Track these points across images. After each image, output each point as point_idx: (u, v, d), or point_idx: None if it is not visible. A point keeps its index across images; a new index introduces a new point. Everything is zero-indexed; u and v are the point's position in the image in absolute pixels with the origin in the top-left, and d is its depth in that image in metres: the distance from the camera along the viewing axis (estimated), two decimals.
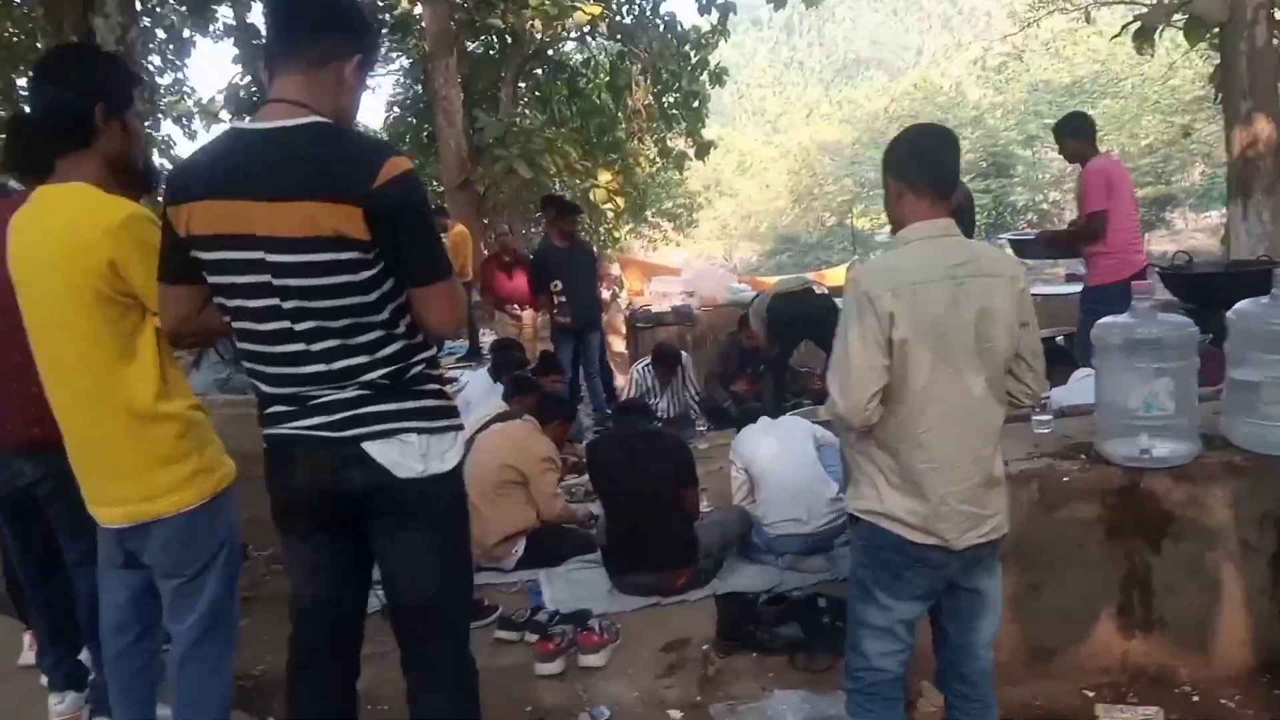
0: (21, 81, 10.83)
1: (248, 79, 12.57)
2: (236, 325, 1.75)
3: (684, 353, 6.82)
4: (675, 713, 2.85)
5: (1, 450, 2.34)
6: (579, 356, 6.70)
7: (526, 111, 14.92)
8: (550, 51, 14.85)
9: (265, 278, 1.66)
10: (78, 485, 2.11)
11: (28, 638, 3.07)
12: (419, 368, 1.79)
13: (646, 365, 6.71)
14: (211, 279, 1.74)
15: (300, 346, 1.70)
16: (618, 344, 9.12)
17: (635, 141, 15.46)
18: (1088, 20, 14.34)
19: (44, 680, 2.82)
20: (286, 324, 1.69)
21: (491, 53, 14.87)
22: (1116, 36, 9.07)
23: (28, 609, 2.92)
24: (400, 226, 1.66)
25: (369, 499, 1.76)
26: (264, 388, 1.77)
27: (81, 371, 1.97)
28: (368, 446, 1.72)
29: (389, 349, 1.73)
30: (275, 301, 1.68)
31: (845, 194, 34.65)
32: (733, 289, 9.14)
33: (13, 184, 2.59)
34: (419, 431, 1.76)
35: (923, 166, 2.03)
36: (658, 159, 16.16)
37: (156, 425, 1.98)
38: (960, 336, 1.94)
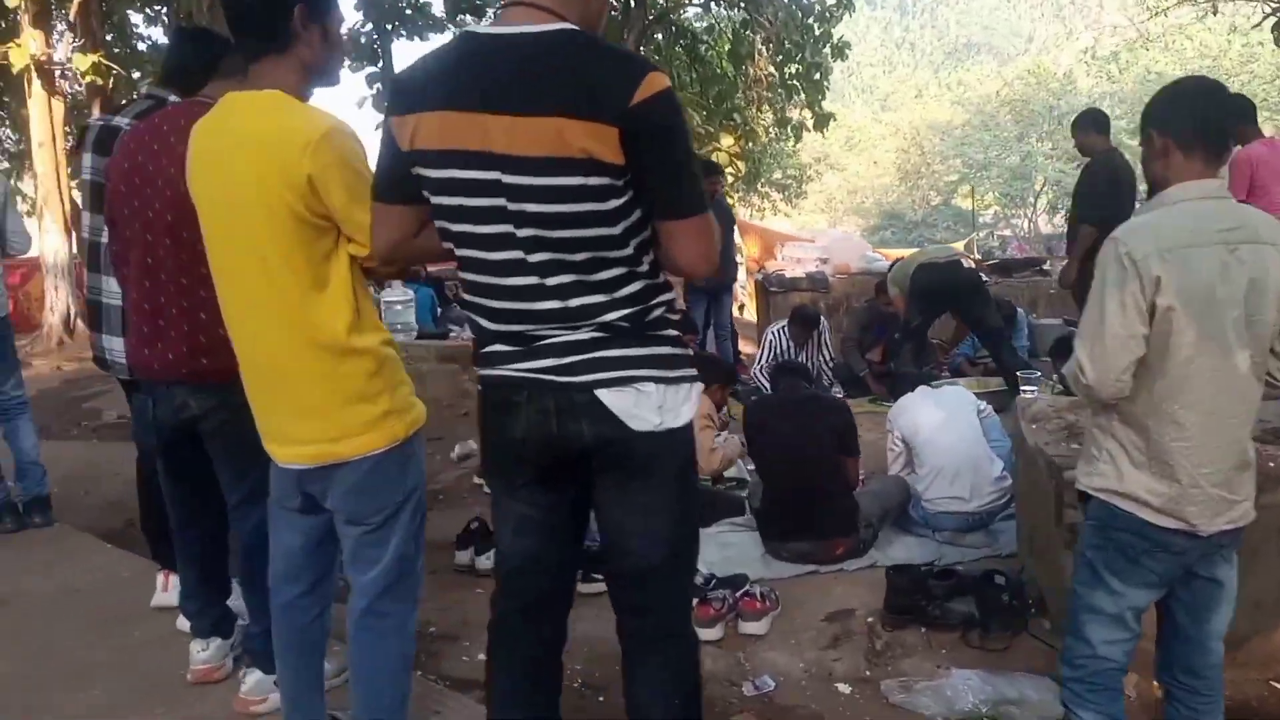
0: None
1: (368, 25, 12.76)
2: (461, 253, 1.60)
3: (822, 317, 6.64)
4: (844, 686, 2.77)
5: (165, 381, 2.24)
6: (710, 317, 6.60)
7: None
8: (673, 16, 14.70)
9: (499, 201, 1.51)
10: (248, 421, 1.98)
11: (161, 578, 3.05)
12: (659, 310, 1.62)
13: (782, 327, 6.57)
14: (435, 199, 1.58)
15: (533, 280, 1.54)
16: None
17: (754, 110, 15.25)
18: (1214, 12, 13.63)
19: (180, 623, 2.79)
20: (519, 254, 1.53)
21: (614, 15, 14.79)
22: (1257, 26, 8.54)
23: (172, 550, 2.85)
24: (657, 150, 1.48)
25: (597, 452, 1.60)
26: (485, 324, 1.62)
27: (270, 299, 1.80)
28: (601, 394, 1.56)
29: (630, 288, 1.57)
30: (508, 229, 1.52)
31: (953, 174, 33.99)
32: (867, 257, 8.84)
33: (172, 98, 2.54)
34: (656, 381, 1.58)
35: (1194, 121, 1.85)
36: (774, 129, 15.93)
37: (348, 360, 1.81)
38: (1229, 307, 1.78)
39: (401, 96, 1.59)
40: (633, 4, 13.74)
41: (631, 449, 1.59)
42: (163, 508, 2.90)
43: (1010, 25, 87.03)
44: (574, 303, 1.56)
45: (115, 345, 2.73)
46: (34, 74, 10.47)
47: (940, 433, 3.73)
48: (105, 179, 2.35)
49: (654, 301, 1.62)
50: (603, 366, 1.56)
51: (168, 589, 3.02)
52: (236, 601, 2.60)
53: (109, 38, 12.92)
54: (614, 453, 1.60)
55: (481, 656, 2.97)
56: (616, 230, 1.52)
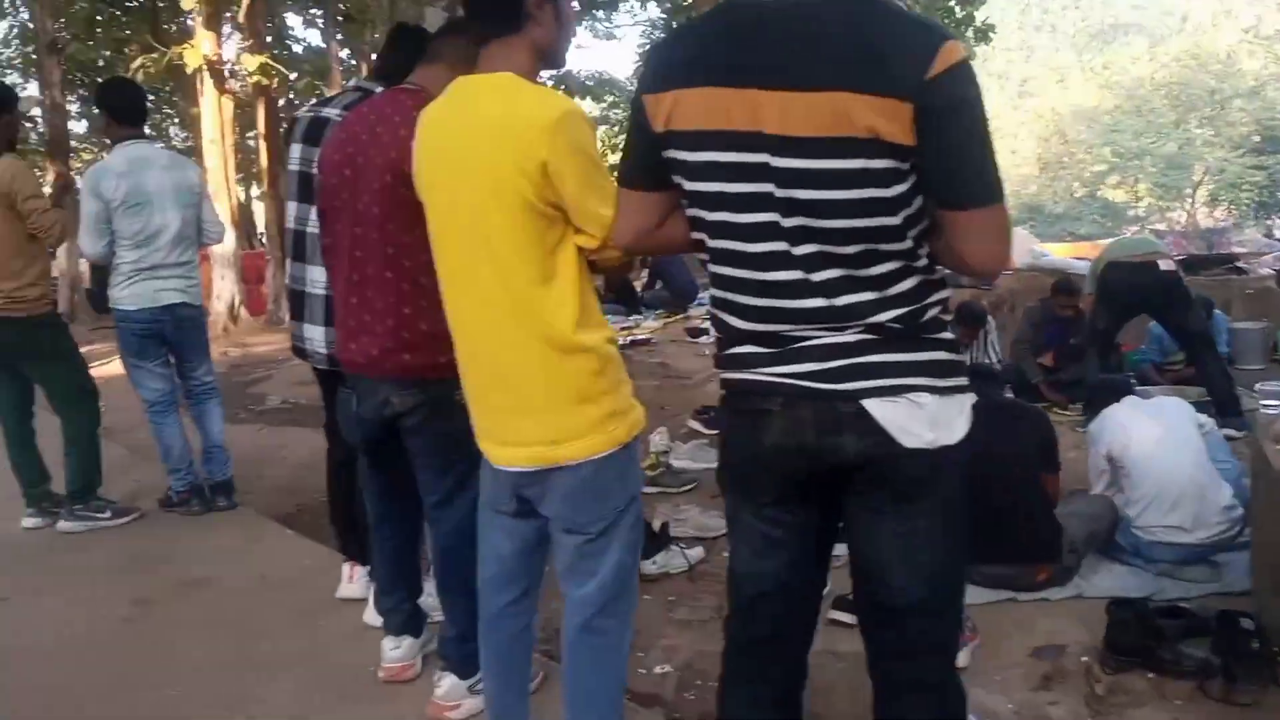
0: None
1: None
2: (715, 244, 1.47)
3: (989, 315, 6.23)
4: None
5: (369, 376, 2.20)
6: None
7: None
8: None
9: (766, 187, 1.36)
10: (452, 419, 1.94)
11: (346, 569, 3.05)
12: (934, 310, 1.44)
13: None
14: (690, 185, 1.45)
15: (796, 275, 1.40)
16: None
17: None
18: None
19: (367, 616, 2.77)
20: (783, 246, 1.39)
21: None
22: None
23: (359, 542, 2.92)
24: (954, 130, 1.30)
25: (859, 470, 1.44)
26: (734, 322, 1.48)
27: (497, 291, 1.71)
28: (869, 405, 1.39)
29: (904, 285, 1.40)
30: (774, 217, 1.38)
31: (1100, 164, 31.99)
32: (1034, 252, 8.25)
33: (378, 89, 2.53)
34: (930, 390, 1.40)
35: None
36: None
37: (573, 358, 1.70)
38: None
39: (657, 72, 1.46)
40: None
41: (899, 468, 1.42)
42: (351, 500, 2.93)
43: (1162, 4, 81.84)
44: (841, 301, 1.40)
45: (315, 335, 2.74)
46: (206, 74, 11.07)
47: (1157, 451, 3.36)
48: (319, 170, 2.34)
49: (929, 300, 1.44)
50: (872, 373, 1.41)
51: (353, 580, 3.05)
52: (426, 599, 2.58)
53: (267, 40, 13.58)
54: (878, 471, 1.44)
55: (660, 669, 2.89)
56: (896, 220, 1.36)
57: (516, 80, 1.71)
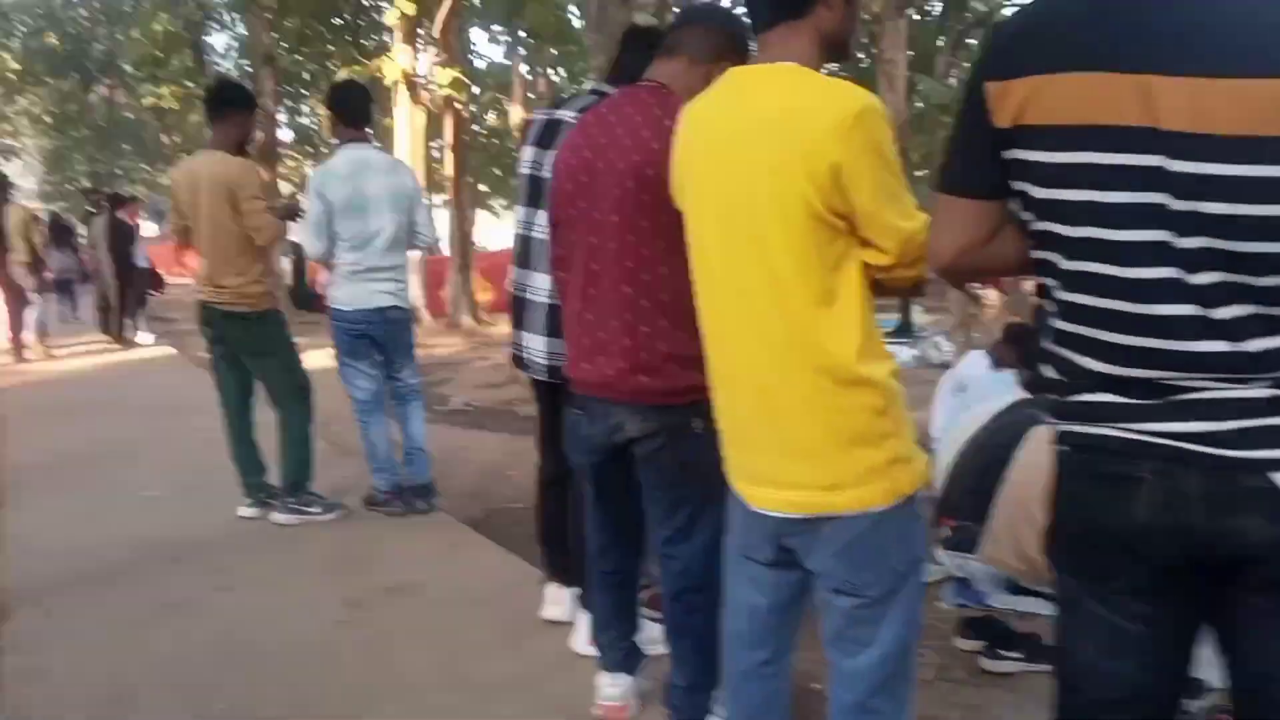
0: None
1: None
2: (1071, 266, 1.20)
3: None
4: None
5: (601, 399, 2.05)
6: None
7: (959, 82, 13.85)
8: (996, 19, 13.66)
9: (1157, 198, 1.10)
10: (690, 448, 1.85)
11: (552, 589, 2.95)
12: None
13: None
14: (1043, 193, 1.19)
15: (1190, 310, 1.12)
16: None
17: None
18: None
19: (576, 642, 2.68)
20: (1174, 273, 1.12)
21: (928, 20, 13.98)
22: None
23: (567, 563, 2.81)
24: None
25: (1262, 562, 1.14)
26: (1091, 364, 1.21)
27: (770, 312, 1.50)
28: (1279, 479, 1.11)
29: None
30: (1165, 236, 1.11)
31: None
32: None
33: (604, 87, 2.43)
34: None
35: None
36: None
37: (854, 393, 1.49)
38: None
39: (1006, 52, 1.21)
40: (950, 6, 12.86)
41: None
42: (561, 519, 2.82)
43: None
44: (1252, 346, 1.11)
45: (536, 344, 2.63)
46: (401, 86, 11.58)
47: None
48: (552, 176, 2.21)
49: None
50: None
51: (559, 602, 2.94)
52: (645, 634, 2.44)
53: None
54: None
55: None
56: None
57: (802, 70, 1.51)
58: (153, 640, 2.94)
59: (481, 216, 21.41)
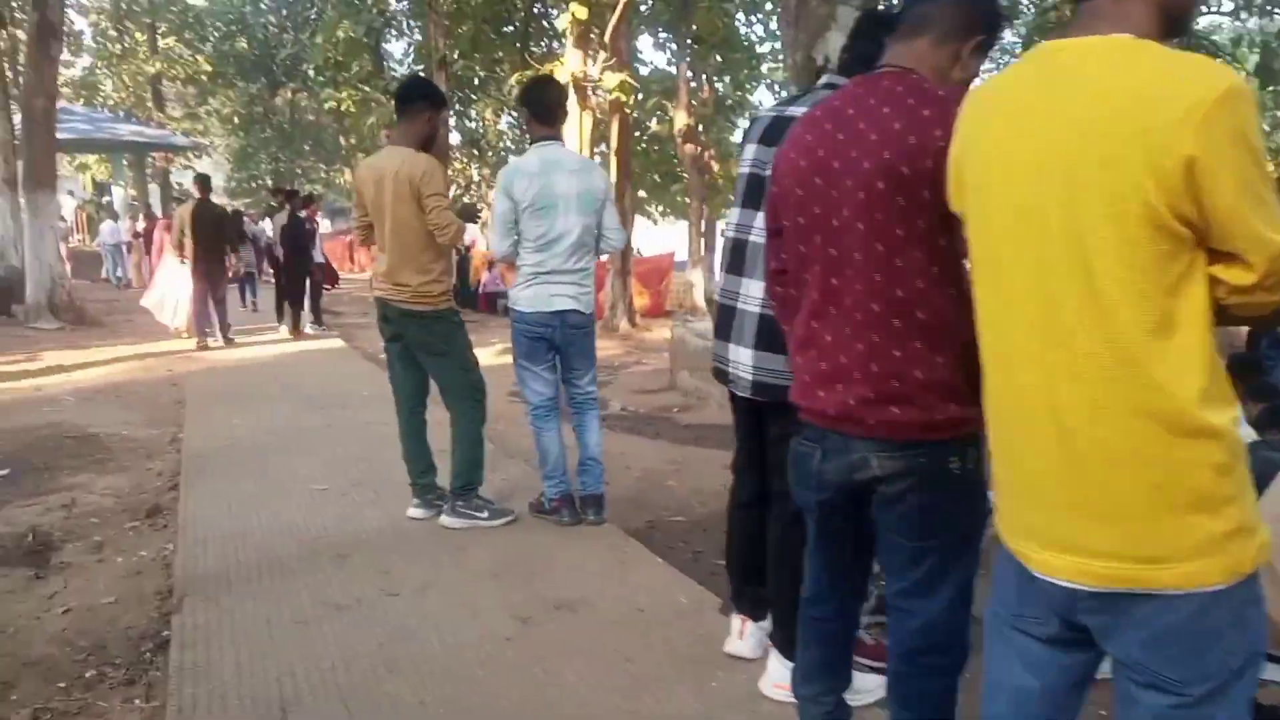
0: None
1: None
2: None
3: None
4: None
5: (841, 433, 1.81)
6: None
7: None
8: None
9: None
10: (946, 490, 1.69)
11: (737, 622, 2.73)
12: None
13: None
14: None
15: None
16: None
17: None
18: None
19: (765, 685, 2.49)
20: None
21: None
22: None
23: (757, 595, 2.62)
24: None
25: None
26: None
27: (1086, 339, 1.23)
28: None
29: None
30: None
31: None
32: None
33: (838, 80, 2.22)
34: None
35: None
36: None
37: (1193, 445, 1.20)
38: None
39: None
40: None
41: None
42: (754, 548, 2.60)
43: None
44: None
45: (743, 358, 2.41)
46: (572, 90, 11.67)
47: None
48: (774, 180, 1.98)
49: None
50: None
51: (743, 636, 2.72)
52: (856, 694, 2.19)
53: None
54: None
55: None
56: None
57: (1143, 44, 1.22)
58: (318, 641, 2.89)
59: (638, 222, 21.52)
